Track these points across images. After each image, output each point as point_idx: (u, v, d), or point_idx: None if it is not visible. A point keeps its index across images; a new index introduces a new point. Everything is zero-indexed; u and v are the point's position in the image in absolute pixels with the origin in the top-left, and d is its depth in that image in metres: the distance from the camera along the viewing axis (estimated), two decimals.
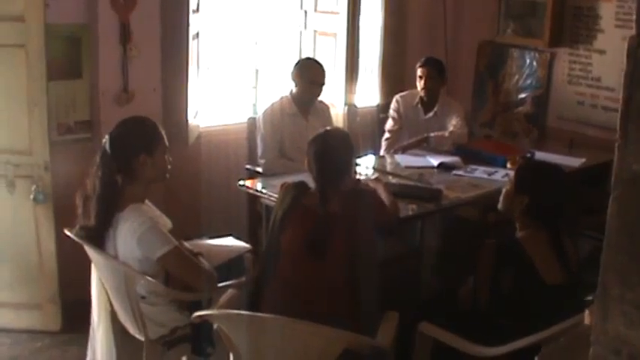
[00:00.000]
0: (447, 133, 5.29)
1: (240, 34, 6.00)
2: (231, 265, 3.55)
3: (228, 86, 6.04)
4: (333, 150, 3.30)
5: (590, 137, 5.73)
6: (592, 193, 5.04)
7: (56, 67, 4.32)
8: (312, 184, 3.36)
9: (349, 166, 3.43)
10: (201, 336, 3.26)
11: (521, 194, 3.25)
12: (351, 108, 5.85)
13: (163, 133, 3.27)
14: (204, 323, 3.07)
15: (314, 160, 3.29)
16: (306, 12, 5.96)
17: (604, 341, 1.34)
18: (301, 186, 3.33)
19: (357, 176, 4.05)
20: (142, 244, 3.07)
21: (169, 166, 3.29)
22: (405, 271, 4.45)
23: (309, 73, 4.91)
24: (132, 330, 3.29)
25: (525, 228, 3.27)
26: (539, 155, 5.10)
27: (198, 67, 5.08)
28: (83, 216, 3.19)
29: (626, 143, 1.29)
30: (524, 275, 3.16)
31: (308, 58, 5.26)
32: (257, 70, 5.86)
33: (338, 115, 5.73)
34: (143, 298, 3.20)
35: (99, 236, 3.17)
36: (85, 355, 3.59)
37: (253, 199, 4.59)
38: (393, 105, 5.54)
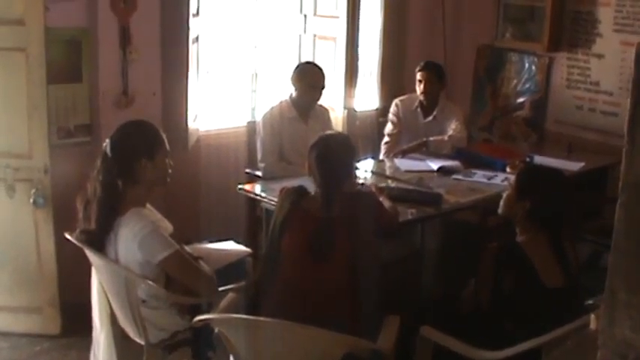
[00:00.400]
0: (446, 137, 5.29)
1: (239, 38, 5.99)
2: (231, 269, 3.55)
3: (228, 90, 6.03)
4: (334, 154, 3.30)
5: (589, 141, 5.74)
6: (591, 197, 5.06)
7: (56, 70, 4.32)
8: (311, 188, 3.35)
9: (350, 170, 3.43)
10: (201, 340, 3.26)
11: (523, 199, 3.25)
12: (351, 112, 5.85)
13: (164, 136, 3.26)
14: (205, 327, 3.06)
15: (315, 164, 3.29)
16: (305, 16, 5.96)
17: (611, 345, 1.34)
18: (301, 190, 3.33)
19: (358, 180, 4.06)
20: (143, 247, 3.07)
21: (170, 170, 3.29)
22: (405, 274, 4.44)
23: (309, 77, 4.90)
24: (132, 334, 3.28)
25: (526, 232, 3.27)
26: (538, 159, 5.11)
27: (197, 71, 5.08)
28: (84, 220, 3.18)
29: (633, 149, 1.29)
30: (524, 279, 3.16)
31: (308, 62, 5.26)
32: (256, 74, 5.85)
33: (337, 119, 5.73)
34: (144, 301, 3.19)
35: (100, 240, 3.16)
36: (84, 358, 3.58)
37: (253, 202, 4.58)
38: (393, 109, 5.54)
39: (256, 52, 5.85)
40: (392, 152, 5.36)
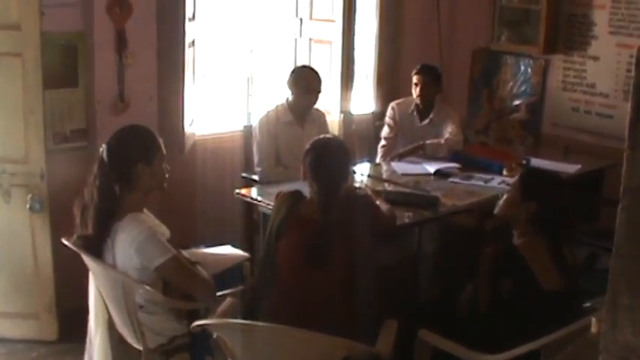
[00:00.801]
0: (442, 140, 5.29)
1: (235, 42, 5.99)
2: (229, 273, 3.54)
3: (224, 94, 6.03)
4: (329, 159, 3.30)
5: (585, 143, 5.75)
6: (588, 199, 5.06)
7: (52, 75, 4.31)
8: (307, 192, 3.35)
9: (346, 174, 3.43)
10: (199, 345, 3.24)
11: (528, 201, 3.25)
12: (347, 115, 5.85)
13: (161, 141, 3.26)
14: (203, 332, 3.05)
15: (311, 169, 3.29)
16: (301, 20, 5.96)
17: (613, 349, 1.33)
18: (297, 195, 3.33)
19: (355, 184, 4.07)
20: (141, 253, 3.06)
21: (167, 175, 3.28)
22: (403, 277, 4.44)
23: (305, 81, 4.90)
24: (130, 339, 3.27)
25: (525, 235, 3.27)
26: (535, 162, 5.11)
27: (194, 75, 5.07)
28: (81, 225, 3.17)
29: (634, 153, 1.28)
30: (522, 282, 3.17)
31: (304, 66, 5.27)
32: (252, 78, 5.85)
33: (334, 123, 5.73)
34: (141, 307, 3.18)
35: (97, 246, 3.15)
36: None
37: (249, 207, 4.57)
38: (389, 112, 5.54)
39: (252, 56, 5.85)
40: (388, 156, 5.36)
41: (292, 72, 5.00)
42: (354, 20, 5.81)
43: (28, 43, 4.05)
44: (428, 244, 4.81)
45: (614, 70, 5.67)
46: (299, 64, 5.77)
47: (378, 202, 3.80)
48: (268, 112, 4.97)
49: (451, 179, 4.77)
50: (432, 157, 5.17)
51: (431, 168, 4.91)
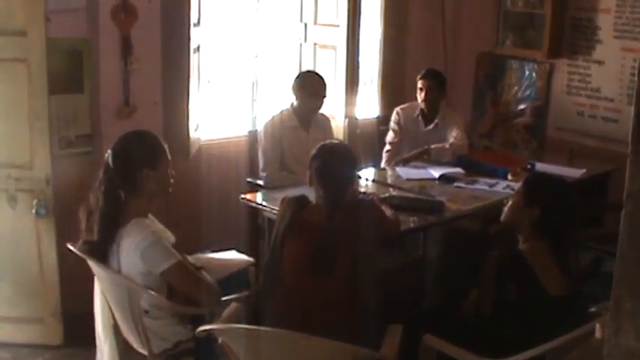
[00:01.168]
0: (447, 145, 5.28)
1: (240, 48, 5.99)
2: (233, 278, 3.54)
3: (229, 99, 6.04)
4: (335, 164, 3.31)
5: (590, 148, 5.74)
6: (592, 203, 5.05)
7: (57, 81, 4.31)
8: (313, 197, 3.35)
9: (352, 179, 3.44)
10: (204, 350, 3.24)
11: (532, 206, 3.25)
12: (352, 120, 5.86)
13: (166, 146, 3.26)
14: (208, 337, 3.05)
15: (317, 175, 3.30)
16: (306, 25, 5.96)
17: (616, 355, 1.33)
18: (302, 200, 3.34)
19: (360, 189, 4.07)
20: (146, 258, 3.06)
21: (172, 180, 3.28)
22: (407, 282, 4.44)
23: (310, 86, 4.91)
24: (135, 344, 3.28)
25: (529, 240, 3.27)
26: (540, 166, 5.11)
27: (199, 81, 5.08)
28: (86, 230, 3.17)
29: (637, 158, 1.28)
30: (527, 287, 3.16)
31: (309, 71, 5.27)
32: (257, 83, 5.85)
33: (338, 128, 5.73)
34: (146, 312, 3.18)
35: (102, 251, 3.15)
36: None
37: (254, 212, 4.58)
38: (394, 117, 5.54)
39: (257, 61, 5.85)
40: (393, 160, 5.35)
41: (297, 77, 5.01)
42: (359, 25, 5.81)
43: (34, 48, 4.06)
44: (432, 248, 4.80)
45: (618, 74, 5.66)
46: (304, 69, 5.78)
47: (382, 207, 3.80)
48: (273, 116, 4.98)
49: (456, 184, 4.77)
50: (437, 162, 5.17)
51: (436, 173, 4.91)
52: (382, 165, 5.42)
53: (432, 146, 5.27)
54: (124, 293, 3.13)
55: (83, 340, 3.75)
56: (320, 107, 4.99)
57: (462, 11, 6.55)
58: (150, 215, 3.26)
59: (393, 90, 6.14)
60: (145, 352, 3.22)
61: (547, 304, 3.11)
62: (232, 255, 3.89)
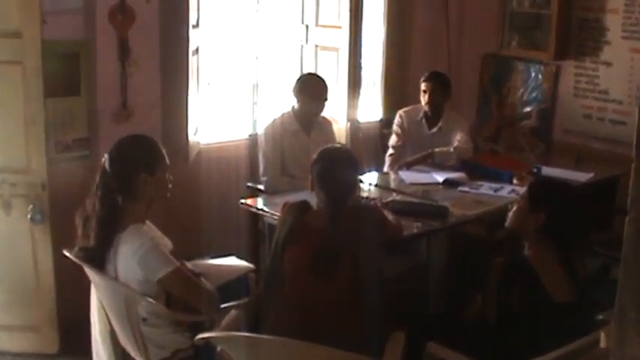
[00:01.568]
0: (451, 149, 5.28)
1: (240, 49, 6.00)
2: (233, 285, 3.55)
3: (229, 102, 6.04)
4: (337, 169, 3.31)
5: (598, 151, 5.74)
6: (601, 208, 5.04)
7: (53, 83, 4.31)
8: (314, 202, 3.36)
9: (354, 184, 3.44)
10: (203, 358, 3.25)
11: (537, 212, 3.24)
12: (354, 123, 5.86)
13: (164, 151, 3.27)
14: (207, 345, 3.06)
15: (319, 180, 3.30)
16: (307, 26, 5.97)
17: None
18: (304, 205, 3.34)
19: (362, 194, 4.07)
20: (143, 265, 3.06)
21: (170, 185, 3.29)
22: (411, 289, 4.44)
23: (312, 89, 4.91)
24: (133, 352, 3.27)
25: (535, 246, 3.27)
26: (546, 170, 5.10)
27: (198, 83, 5.08)
28: (83, 236, 3.18)
29: None
30: (532, 293, 3.16)
31: (310, 74, 5.28)
32: (257, 86, 5.85)
33: (340, 131, 5.73)
34: (144, 319, 3.19)
35: (99, 257, 3.16)
36: None
37: (255, 217, 4.58)
38: (397, 120, 5.54)
39: (257, 63, 5.85)
40: (396, 164, 5.36)
41: (298, 79, 5.01)
42: (361, 26, 5.82)
43: (29, 51, 4.07)
44: (436, 254, 4.81)
45: (627, 76, 5.66)
46: (305, 71, 5.78)
47: (384, 212, 3.81)
48: (274, 120, 4.98)
49: (460, 188, 4.77)
50: (441, 166, 5.17)
51: (439, 177, 4.91)
52: (385, 169, 5.43)
53: (436, 150, 5.27)
54: (121, 300, 3.14)
55: (79, 349, 3.76)
56: (321, 110, 4.99)
57: (466, 12, 6.56)
58: (147, 221, 3.27)
59: (396, 92, 6.14)
60: None
61: (553, 311, 3.11)
62: (232, 261, 3.90)
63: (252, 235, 4.74)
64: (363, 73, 6.00)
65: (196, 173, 5.21)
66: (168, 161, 3.28)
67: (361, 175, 4.41)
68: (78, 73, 4.55)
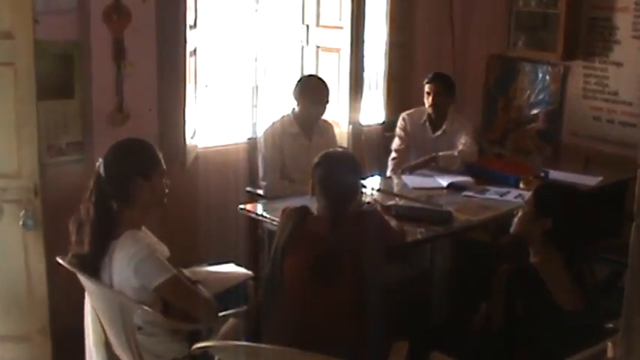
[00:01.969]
0: (455, 152, 5.28)
1: (239, 50, 6.01)
2: (232, 293, 3.55)
3: (228, 104, 6.05)
4: (339, 174, 3.32)
5: (607, 154, 5.74)
6: (610, 213, 5.04)
7: (46, 85, 4.31)
8: (314, 207, 3.36)
9: (356, 188, 3.45)
10: None
11: (543, 217, 3.24)
12: (356, 126, 5.86)
13: (160, 155, 3.27)
14: (204, 354, 3.06)
15: (320, 185, 3.31)
16: (308, 27, 5.98)
17: None
18: (304, 211, 3.34)
19: (364, 199, 4.08)
20: (139, 272, 3.07)
21: (167, 190, 3.29)
22: (414, 296, 4.44)
23: (312, 91, 4.91)
24: None
25: (541, 252, 3.27)
26: (554, 174, 5.11)
27: (195, 85, 5.09)
28: (77, 243, 3.17)
29: None
30: (539, 301, 3.16)
31: (311, 76, 5.29)
32: (257, 88, 5.86)
33: (342, 134, 5.73)
34: (140, 328, 3.19)
35: (93, 264, 3.16)
36: None
37: (254, 223, 4.59)
38: (400, 123, 5.54)
39: (257, 64, 5.86)
40: (399, 168, 5.35)
41: (299, 81, 5.02)
42: (364, 27, 5.82)
43: (21, 52, 4.06)
44: (440, 260, 4.81)
45: (637, 77, 5.66)
46: (306, 73, 5.80)
47: (386, 218, 3.81)
48: (274, 123, 4.99)
49: (465, 193, 4.78)
50: (445, 170, 5.17)
51: (444, 181, 4.91)
52: (388, 173, 5.43)
53: (440, 153, 5.27)
54: (116, 309, 3.14)
55: (73, 358, 3.75)
56: (323, 113, 4.99)
57: (471, 11, 6.56)
58: (143, 227, 3.27)
59: (399, 95, 6.15)
60: None
61: (560, 319, 3.11)
62: (230, 268, 3.90)
63: (251, 242, 4.75)
64: (366, 75, 6.00)
65: (194, 178, 5.21)
66: (164, 166, 3.28)
67: (363, 179, 4.42)
68: (72, 75, 4.56)
